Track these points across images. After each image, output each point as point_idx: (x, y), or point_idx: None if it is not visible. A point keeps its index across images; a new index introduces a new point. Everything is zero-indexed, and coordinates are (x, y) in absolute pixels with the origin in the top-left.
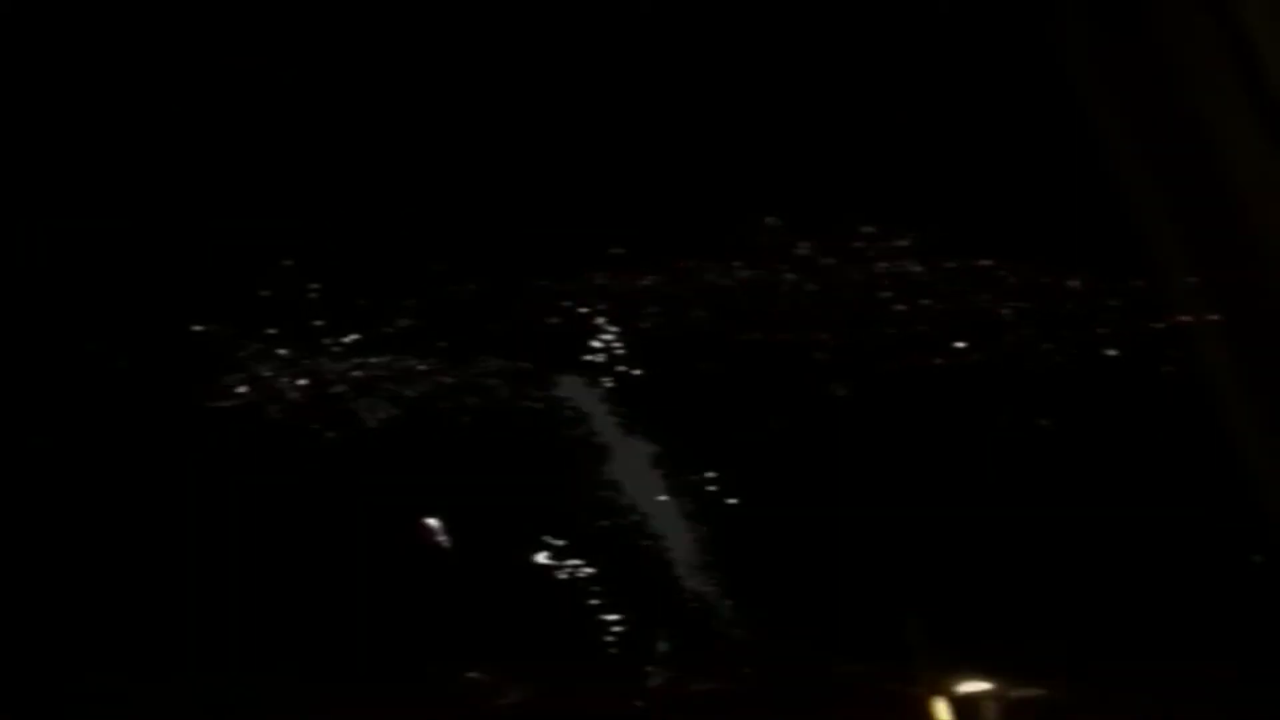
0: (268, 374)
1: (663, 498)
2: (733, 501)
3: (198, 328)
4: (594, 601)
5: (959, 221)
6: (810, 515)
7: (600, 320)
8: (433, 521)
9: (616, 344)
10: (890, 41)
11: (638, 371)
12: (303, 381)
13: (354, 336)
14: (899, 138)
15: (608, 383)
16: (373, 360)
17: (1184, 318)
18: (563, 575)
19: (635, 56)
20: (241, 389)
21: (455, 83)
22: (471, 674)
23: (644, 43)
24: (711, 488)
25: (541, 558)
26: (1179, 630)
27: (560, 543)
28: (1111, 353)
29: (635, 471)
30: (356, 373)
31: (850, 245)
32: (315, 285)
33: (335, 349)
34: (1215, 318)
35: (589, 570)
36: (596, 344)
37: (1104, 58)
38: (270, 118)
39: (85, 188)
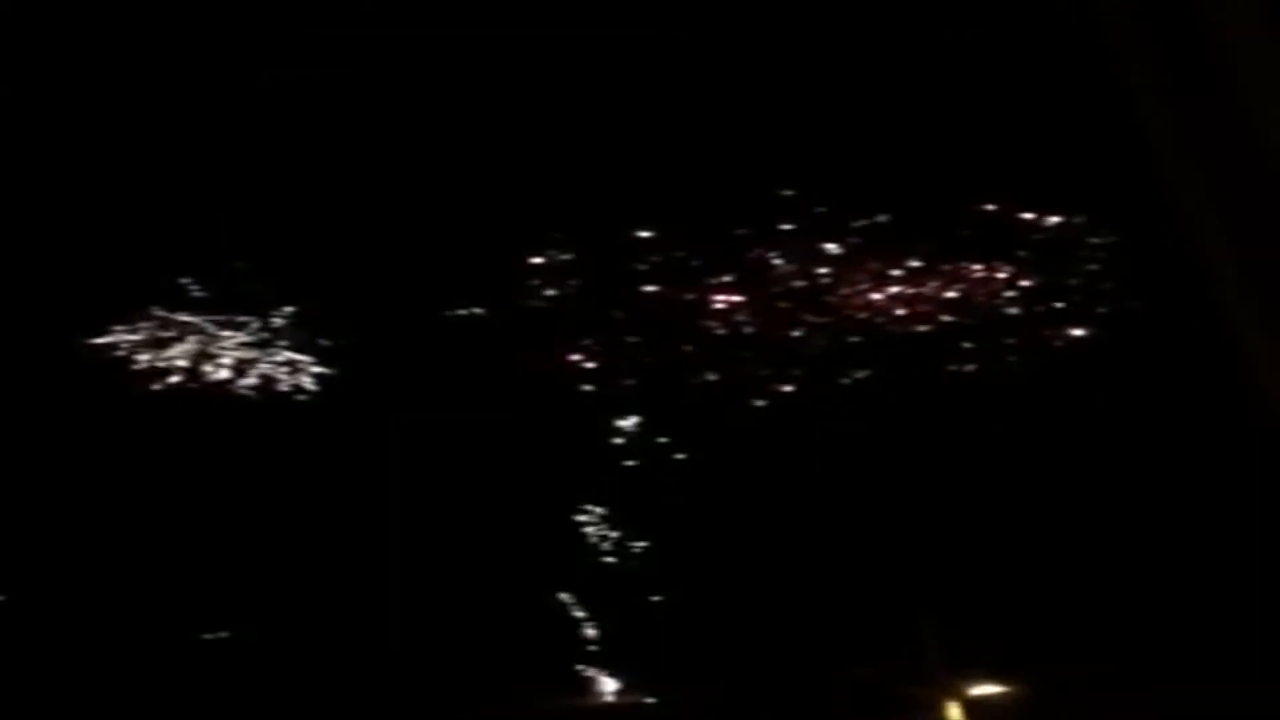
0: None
1: (667, 498)
2: (741, 502)
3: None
4: (599, 601)
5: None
6: (819, 517)
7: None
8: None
9: (601, 338)
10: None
11: (636, 367)
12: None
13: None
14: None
15: (598, 381)
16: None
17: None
18: (563, 574)
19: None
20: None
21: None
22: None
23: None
24: (717, 488)
25: (542, 555)
26: (1186, 627)
27: (559, 540)
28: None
29: (639, 469)
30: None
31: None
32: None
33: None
34: (1233, 249)
35: (591, 570)
36: (584, 341)
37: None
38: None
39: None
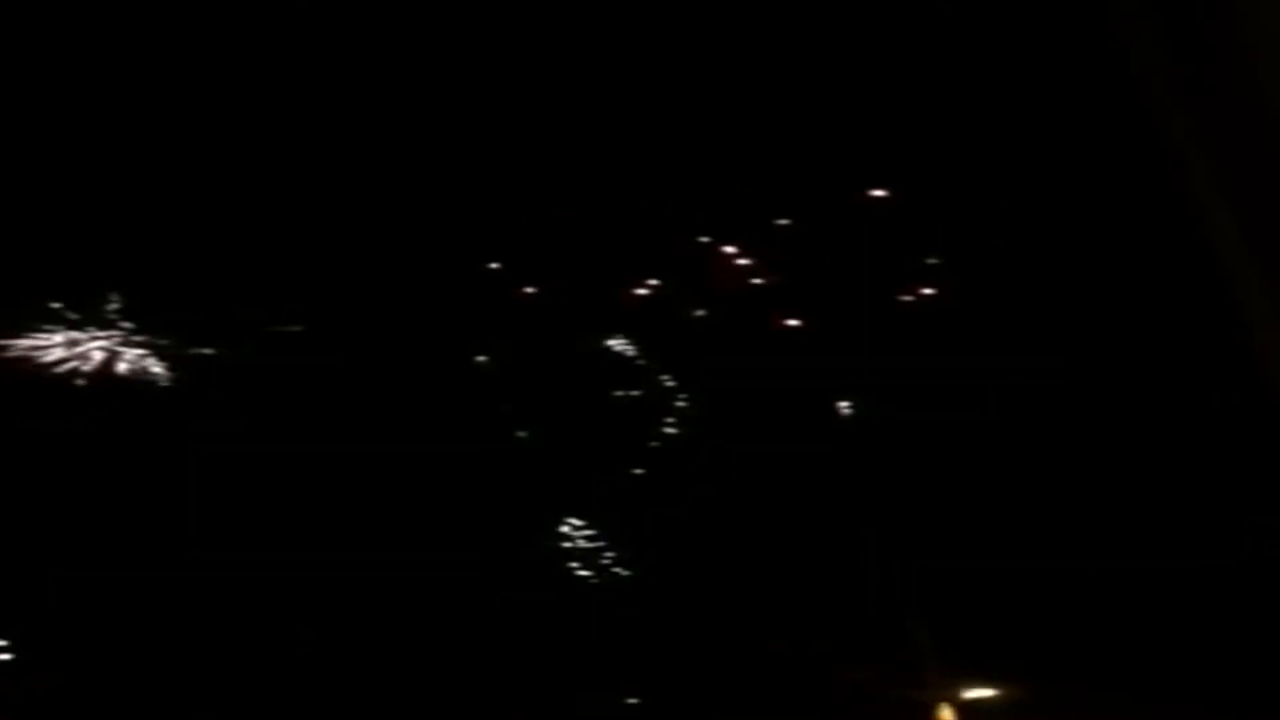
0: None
1: (663, 499)
2: (738, 504)
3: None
4: (592, 604)
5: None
6: (817, 519)
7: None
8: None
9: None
10: None
11: (616, 357)
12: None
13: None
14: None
15: (581, 374)
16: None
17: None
18: (562, 576)
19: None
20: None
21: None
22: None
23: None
24: (715, 489)
25: (540, 554)
26: (1186, 630)
27: (557, 542)
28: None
29: (632, 469)
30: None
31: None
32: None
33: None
34: (1234, 216)
35: (588, 573)
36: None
37: None
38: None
39: None
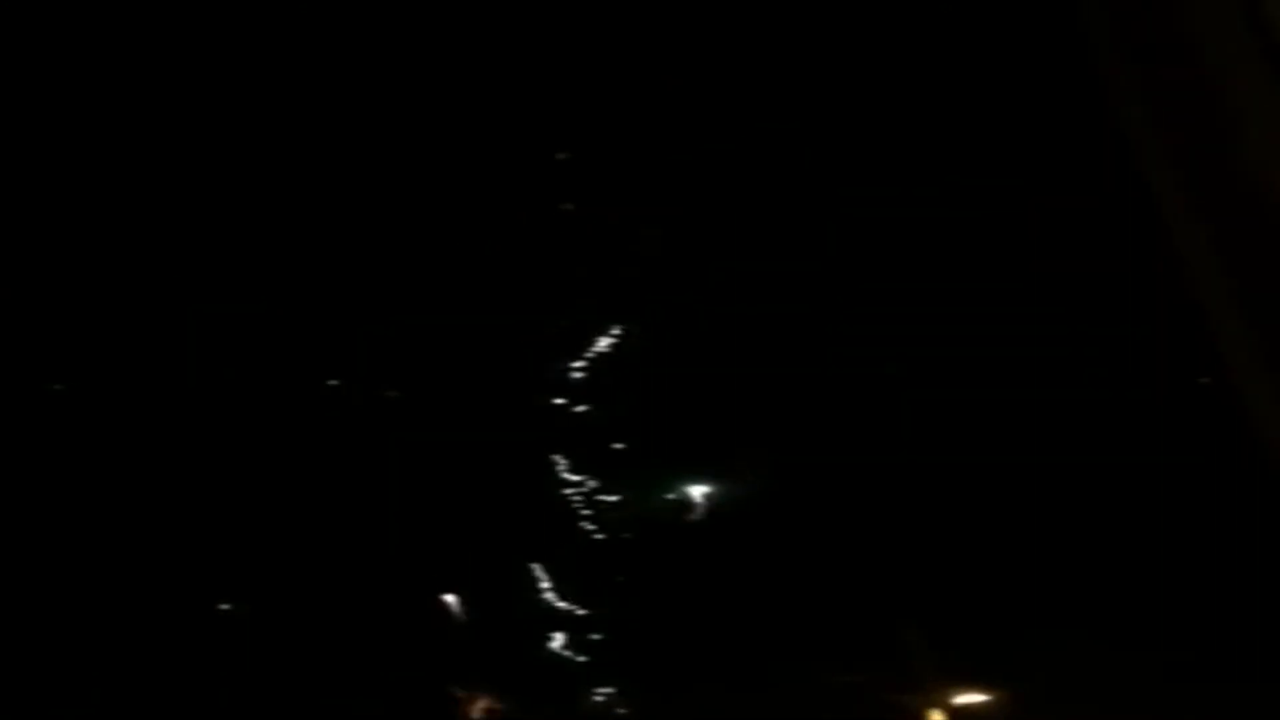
0: None
1: (659, 503)
2: (730, 508)
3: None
4: (577, 605)
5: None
6: (809, 523)
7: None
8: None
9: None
10: None
11: (620, 368)
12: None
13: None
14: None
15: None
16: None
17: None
18: (556, 582)
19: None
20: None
21: None
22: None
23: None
24: (708, 494)
25: (532, 564)
26: (1178, 627)
27: (553, 547)
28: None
29: (630, 476)
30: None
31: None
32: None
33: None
34: (1215, 258)
35: (582, 579)
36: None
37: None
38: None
39: None
